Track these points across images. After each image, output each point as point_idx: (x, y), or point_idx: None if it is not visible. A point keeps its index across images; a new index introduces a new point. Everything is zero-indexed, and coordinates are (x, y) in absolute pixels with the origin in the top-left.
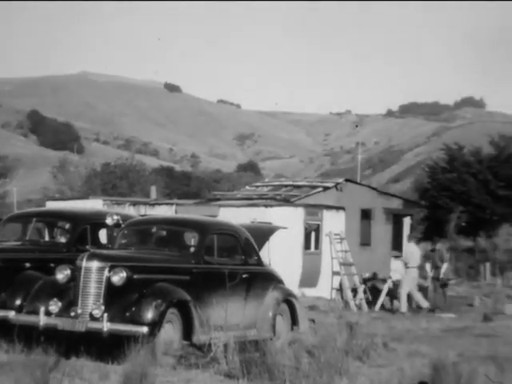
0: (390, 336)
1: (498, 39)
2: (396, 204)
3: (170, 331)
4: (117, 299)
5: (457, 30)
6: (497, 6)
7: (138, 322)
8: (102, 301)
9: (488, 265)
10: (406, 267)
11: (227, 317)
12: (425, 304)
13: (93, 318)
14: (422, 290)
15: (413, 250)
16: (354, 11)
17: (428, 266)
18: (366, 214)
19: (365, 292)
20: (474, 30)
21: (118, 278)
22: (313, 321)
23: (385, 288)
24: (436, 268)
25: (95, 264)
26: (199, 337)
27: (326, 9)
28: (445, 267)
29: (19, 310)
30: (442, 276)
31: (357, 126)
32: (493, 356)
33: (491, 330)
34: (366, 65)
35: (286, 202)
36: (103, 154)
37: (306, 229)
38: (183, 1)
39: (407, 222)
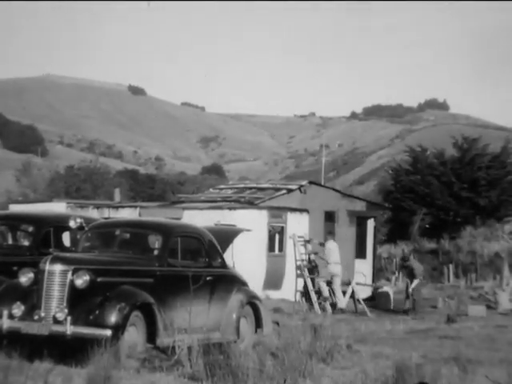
0: (354, 338)
1: (461, 42)
2: (360, 206)
3: (134, 334)
4: (80, 302)
5: (420, 33)
6: (459, 9)
7: (102, 325)
8: (65, 304)
9: (451, 266)
10: (327, 263)
11: (191, 319)
12: (342, 304)
13: (56, 321)
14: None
15: (332, 247)
16: (317, 14)
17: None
18: (329, 216)
19: (329, 294)
20: (437, 32)
21: (82, 281)
22: (277, 323)
23: (349, 290)
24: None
25: (58, 267)
26: (163, 339)
27: (289, 12)
28: (415, 283)
29: None
30: (410, 291)
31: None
32: (456, 357)
33: (455, 332)
34: (329, 67)
35: (250, 204)
36: (67, 157)
37: (269, 231)
38: (147, 0)
39: (371, 223)
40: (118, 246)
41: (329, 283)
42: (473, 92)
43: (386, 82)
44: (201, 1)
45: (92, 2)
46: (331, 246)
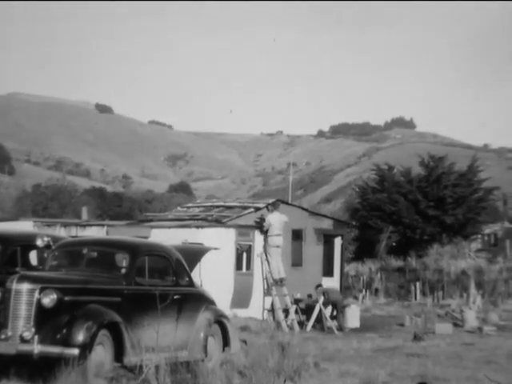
0: (322, 356)
1: (428, 60)
2: (327, 224)
3: (101, 353)
4: (47, 321)
5: (385, 51)
6: (424, 27)
7: (69, 343)
8: (32, 323)
9: (418, 284)
10: (268, 235)
11: (159, 338)
12: (282, 274)
13: (23, 340)
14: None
15: (275, 219)
16: (284, 33)
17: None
18: (297, 235)
19: (296, 312)
20: (403, 50)
21: (49, 299)
22: (244, 341)
23: (316, 308)
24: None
25: (25, 286)
26: (130, 358)
27: (257, 30)
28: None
29: None
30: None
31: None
32: (423, 375)
33: (421, 350)
34: (296, 86)
35: (218, 222)
36: (34, 175)
37: (237, 249)
38: (115, 4)
39: (338, 242)
40: (86, 265)
41: (297, 301)
42: (440, 110)
43: (353, 100)
44: (167, 18)
45: (58, 19)
46: (275, 218)
